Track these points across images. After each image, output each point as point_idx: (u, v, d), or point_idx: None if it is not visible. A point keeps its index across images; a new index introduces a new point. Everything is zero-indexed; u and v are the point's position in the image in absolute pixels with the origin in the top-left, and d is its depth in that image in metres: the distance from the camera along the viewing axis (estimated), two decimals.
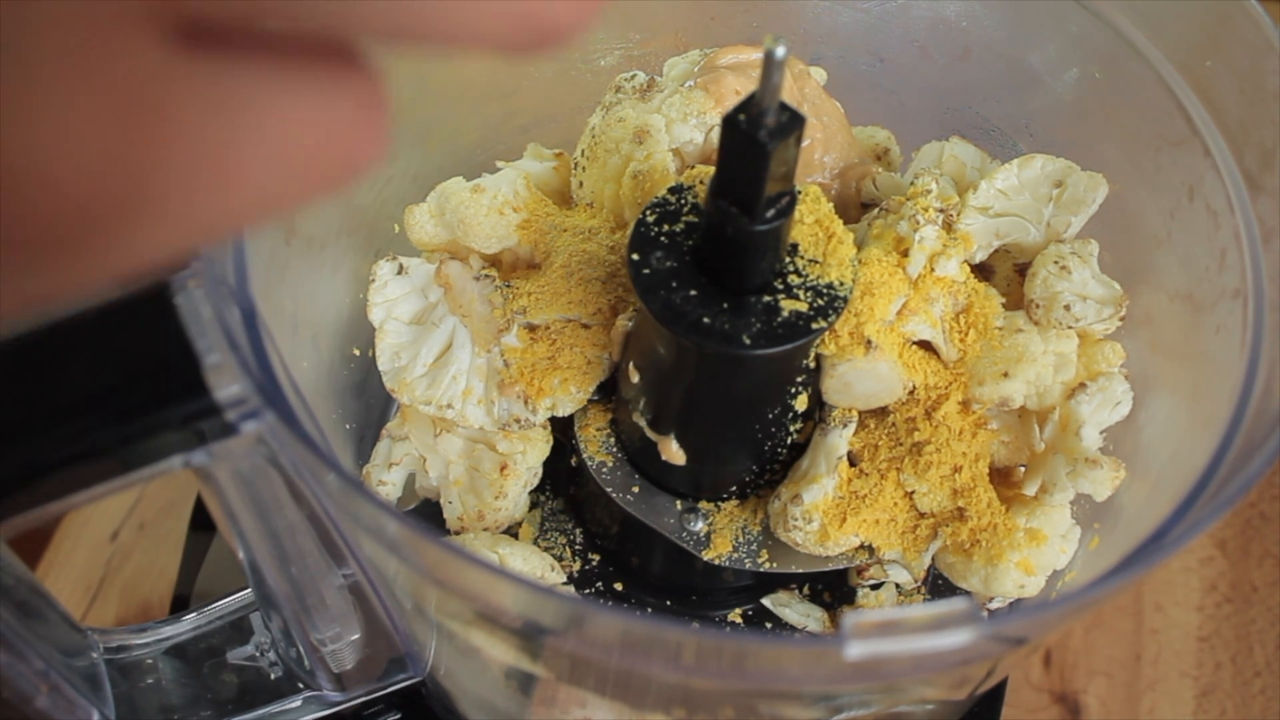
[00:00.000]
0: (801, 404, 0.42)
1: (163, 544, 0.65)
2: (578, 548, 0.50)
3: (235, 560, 0.42)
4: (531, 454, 0.47)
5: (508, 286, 0.46)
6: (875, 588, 0.50)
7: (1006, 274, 0.48)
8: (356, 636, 0.45)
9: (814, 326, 0.38)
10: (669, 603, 0.50)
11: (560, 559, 0.50)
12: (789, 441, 0.44)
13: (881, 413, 0.45)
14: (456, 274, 0.46)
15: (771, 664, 0.34)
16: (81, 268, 0.16)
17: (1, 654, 0.39)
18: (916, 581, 0.48)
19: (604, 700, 0.43)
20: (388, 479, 0.49)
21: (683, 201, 0.40)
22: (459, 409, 0.46)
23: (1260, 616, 0.66)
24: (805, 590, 0.50)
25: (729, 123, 0.34)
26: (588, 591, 0.49)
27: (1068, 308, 0.44)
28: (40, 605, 0.42)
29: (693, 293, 0.38)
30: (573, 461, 0.49)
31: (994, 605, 0.46)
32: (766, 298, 0.39)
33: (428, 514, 0.50)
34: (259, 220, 0.18)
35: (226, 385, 0.32)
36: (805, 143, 0.47)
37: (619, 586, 0.50)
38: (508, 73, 0.56)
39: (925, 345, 0.44)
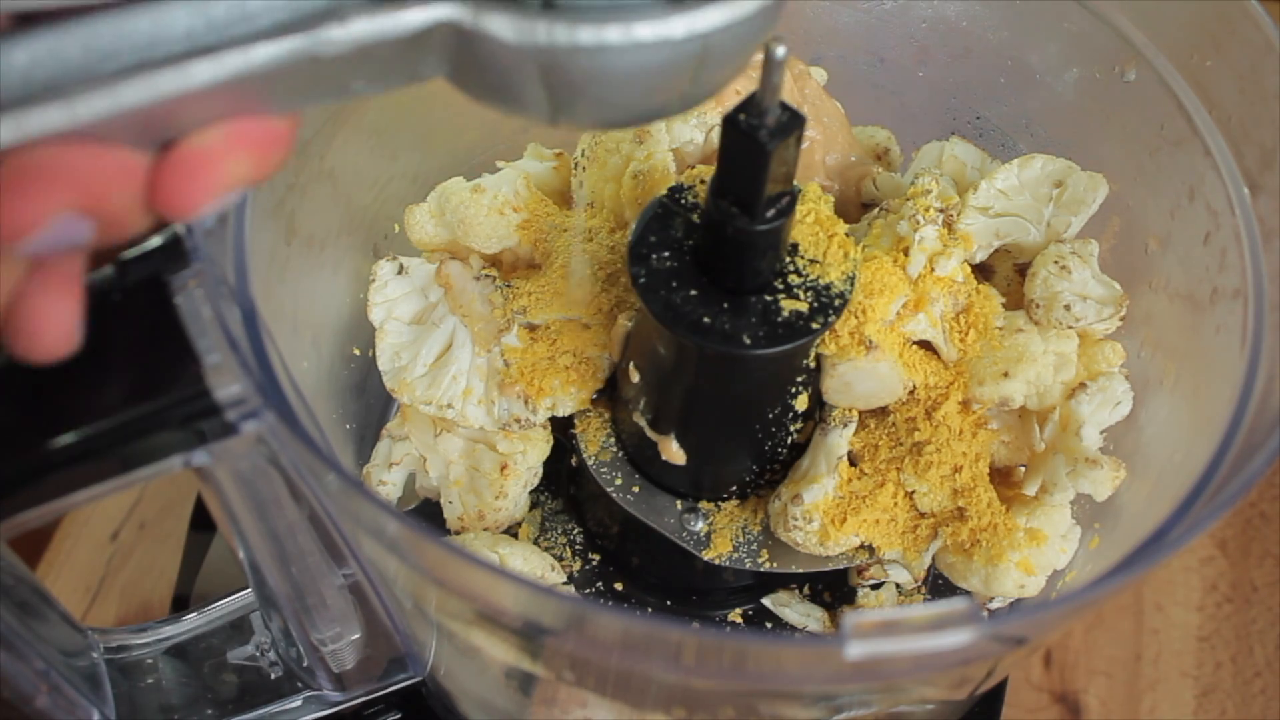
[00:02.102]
0: (801, 404, 0.42)
1: (163, 544, 0.65)
2: (578, 548, 0.50)
3: (235, 560, 0.42)
4: (531, 454, 0.47)
5: (508, 286, 0.46)
6: (875, 588, 0.50)
7: (1006, 274, 0.48)
8: (356, 636, 0.45)
9: (814, 326, 0.38)
10: (669, 603, 0.50)
11: (560, 559, 0.50)
12: (789, 441, 0.44)
13: (881, 413, 0.45)
14: (457, 274, 0.46)
15: (771, 664, 0.34)
16: None
17: (2, 654, 0.39)
18: (916, 581, 0.48)
19: (604, 700, 0.43)
20: (388, 479, 0.49)
21: (683, 201, 0.40)
22: (459, 409, 0.46)
23: (1260, 616, 0.66)
24: (805, 590, 0.50)
25: (729, 123, 0.34)
26: (588, 591, 0.49)
27: (1068, 308, 0.44)
28: (40, 605, 0.42)
29: (693, 293, 0.38)
30: (573, 461, 0.49)
31: (994, 605, 0.46)
32: (767, 297, 0.39)
33: (428, 514, 0.50)
34: None
35: (226, 385, 0.32)
36: (804, 144, 0.47)
37: (619, 586, 0.50)
38: None
39: (925, 345, 0.44)
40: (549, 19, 0.24)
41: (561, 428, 0.48)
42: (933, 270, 0.44)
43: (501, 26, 0.24)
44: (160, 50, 0.23)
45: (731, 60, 0.27)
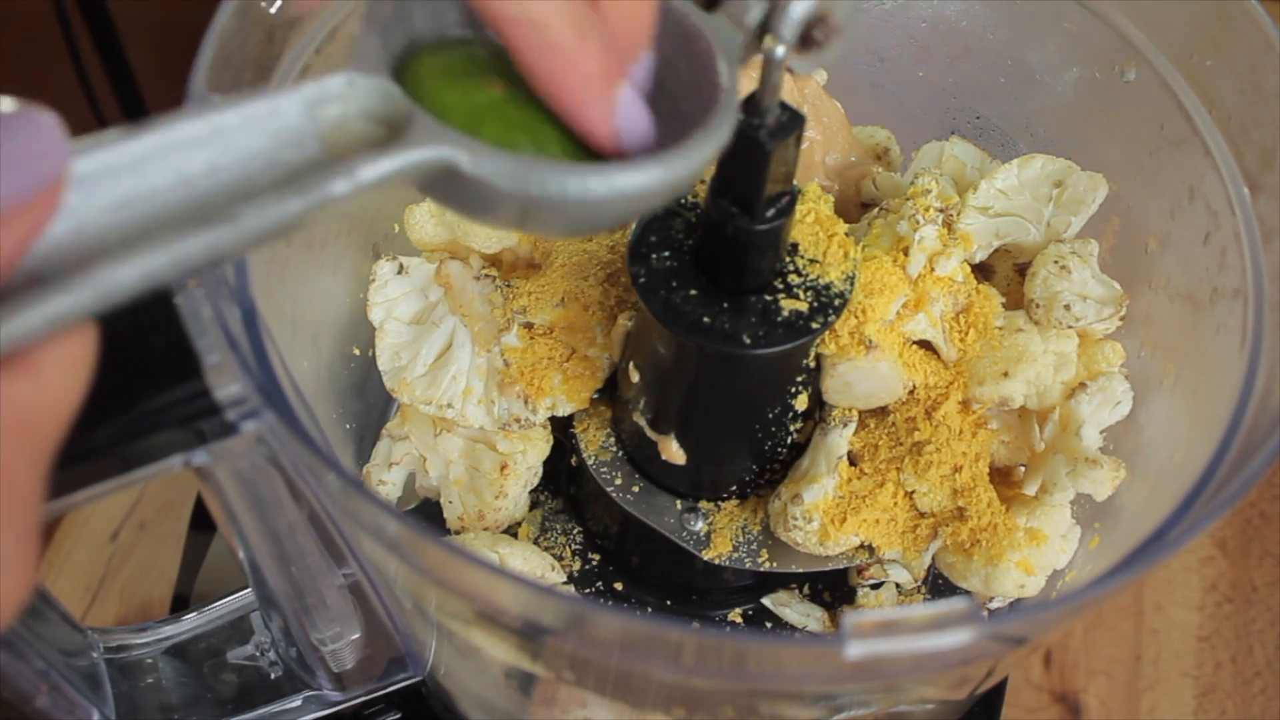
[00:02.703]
0: (801, 404, 0.42)
1: (163, 544, 0.65)
2: (578, 548, 0.50)
3: (235, 560, 0.42)
4: (531, 454, 0.47)
5: (508, 286, 0.46)
6: (875, 587, 0.50)
7: (1006, 274, 0.48)
8: (356, 636, 0.45)
9: (814, 326, 0.38)
10: (669, 603, 0.50)
11: (560, 559, 0.50)
12: (789, 441, 0.44)
13: (881, 412, 0.45)
14: (456, 274, 0.46)
15: (771, 664, 0.34)
16: None
17: (2, 654, 0.39)
18: (916, 581, 0.48)
19: (604, 700, 0.43)
20: (388, 479, 0.49)
21: (683, 201, 0.40)
22: (459, 409, 0.46)
23: (1260, 616, 0.66)
24: (805, 590, 0.50)
25: None
26: (588, 591, 0.49)
27: (1068, 307, 0.44)
28: (40, 605, 0.42)
29: (693, 293, 0.38)
30: (573, 461, 0.49)
31: (994, 605, 0.46)
32: (767, 297, 0.39)
33: (428, 514, 0.50)
34: None
35: (226, 385, 0.32)
36: (804, 144, 0.47)
37: (619, 586, 0.50)
38: None
39: (925, 345, 0.44)
40: (540, 171, 0.25)
41: (561, 428, 0.48)
42: (932, 270, 0.44)
43: (498, 174, 0.25)
44: (158, 220, 0.23)
45: (692, 183, 0.29)
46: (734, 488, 0.46)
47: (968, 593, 0.44)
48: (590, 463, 0.46)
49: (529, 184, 0.25)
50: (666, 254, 0.39)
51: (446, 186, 0.26)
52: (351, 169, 0.24)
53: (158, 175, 0.23)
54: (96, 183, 0.22)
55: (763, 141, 0.33)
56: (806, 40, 0.30)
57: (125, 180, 0.23)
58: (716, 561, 0.45)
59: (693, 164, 0.27)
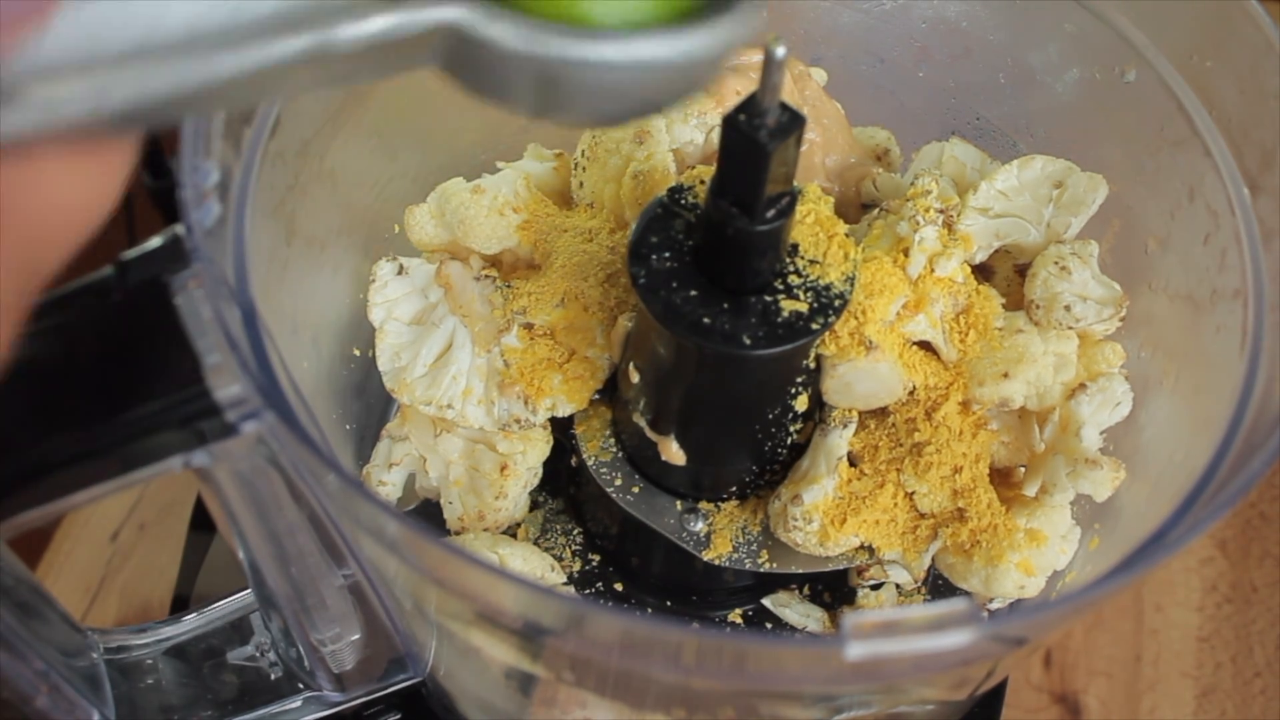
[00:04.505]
0: (801, 404, 0.42)
1: (163, 544, 0.65)
2: (578, 548, 0.50)
3: (235, 560, 0.42)
4: (531, 454, 0.47)
5: (508, 286, 0.46)
6: (875, 588, 0.50)
7: (1006, 274, 0.48)
8: (356, 636, 0.45)
9: (814, 327, 0.38)
10: (669, 603, 0.50)
11: (560, 559, 0.50)
12: (789, 442, 0.44)
13: (881, 413, 0.45)
14: (457, 274, 0.46)
15: (771, 664, 0.34)
16: None
17: (1, 654, 0.39)
18: (916, 581, 0.48)
19: (604, 700, 0.43)
20: (388, 479, 0.49)
21: (683, 202, 0.40)
22: (459, 409, 0.46)
23: (1260, 616, 0.66)
24: (805, 590, 0.50)
25: (729, 123, 0.34)
26: (588, 591, 0.49)
27: (1068, 308, 0.44)
28: (40, 605, 0.42)
29: (693, 293, 0.38)
30: (573, 461, 0.49)
31: (994, 605, 0.46)
32: (767, 298, 0.39)
33: (428, 514, 0.50)
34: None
35: (226, 385, 0.32)
36: (804, 146, 0.47)
37: (619, 586, 0.50)
38: None
39: (925, 346, 0.44)
40: (556, 33, 0.25)
41: (561, 428, 0.48)
42: (933, 271, 0.44)
43: (507, 35, 0.25)
44: (158, 38, 0.23)
45: (713, 73, 0.28)
46: (734, 488, 0.46)
47: (968, 593, 0.44)
48: (590, 463, 0.46)
49: (545, 46, 0.25)
50: (666, 254, 0.39)
51: (464, 59, 0.26)
52: (357, 16, 0.24)
53: (169, 28, 0.23)
54: (106, 30, 0.22)
55: (763, 142, 0.33)
56: None
57: (130, 33, 0.23)
58: (716, 562, 0.45)
59: (711, 42, 0.26)
